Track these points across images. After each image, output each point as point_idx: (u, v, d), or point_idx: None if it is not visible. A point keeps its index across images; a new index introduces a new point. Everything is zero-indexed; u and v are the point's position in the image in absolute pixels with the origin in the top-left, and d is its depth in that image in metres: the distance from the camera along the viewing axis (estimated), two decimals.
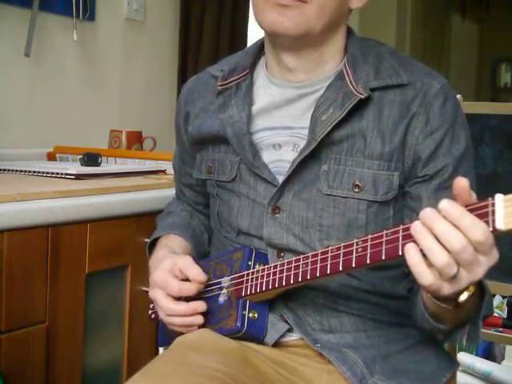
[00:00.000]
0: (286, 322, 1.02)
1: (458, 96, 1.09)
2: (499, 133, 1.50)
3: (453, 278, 0.75)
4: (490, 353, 2.11)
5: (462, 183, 0.75)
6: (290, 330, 1.03)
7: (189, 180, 1.22)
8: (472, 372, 1.82)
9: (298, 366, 1.02)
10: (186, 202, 1.27)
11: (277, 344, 1.03)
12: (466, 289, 0.80)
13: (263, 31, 1.04)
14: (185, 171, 1.23)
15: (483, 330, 1.70)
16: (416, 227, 0.76)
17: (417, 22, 4.66)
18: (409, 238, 0.77)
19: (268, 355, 1.02)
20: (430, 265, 0.75)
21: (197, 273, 1.02)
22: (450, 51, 5.41)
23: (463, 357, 1.84)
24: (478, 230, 0.72)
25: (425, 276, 0.76)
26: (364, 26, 3.73)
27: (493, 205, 0.71)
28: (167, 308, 1.03)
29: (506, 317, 1.87)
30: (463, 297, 0.81)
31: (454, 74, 5.33)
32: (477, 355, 1.99)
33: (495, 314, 1.96)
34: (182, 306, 1.03)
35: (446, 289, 0.77)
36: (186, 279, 1.03)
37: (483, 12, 5.91)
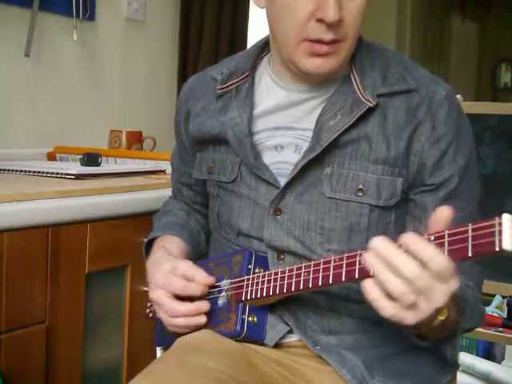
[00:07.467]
0: (287, 323, 1.02)
1: (458, 96, 1.09)
2: (499, 133, 1.50)
3: (412, 307, 0.75)
4: (490, 353, 2.11)
5: (446, 214, 0.75)
6: (290, 331, 1.03)
7: (187, 179, 1.22)
8: (472, 372, 1.82)
9: (299, 366, 1.02)
10: (183, 201, 1.26)
11: (277, 345, 1.03)
12: (440, 313, 0.81)
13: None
14: (184, 170, 1.22)
15: (483, 330, 1.72)
16: (369, 259, 0.77)
17: (417, 22, 4.66)
18: None
19: (269, 356, 1.02)
20: (389, 297, 0.76)
21: (204, 275, 1.02)
22: (450, 51, 5.41)
23: (463, 357, 1.84)
24: (438, 262, 0.72)
25: (386, 309, 0.76)
26: (364, 26, 3.71)
27: (500, 224, 0.68)
28: (170, 308, 1.02)
29: (506, 317, 1.88)
30: (436, 322, 0.82)
31: (454, 74, 5.33)
32: (477, 355, 2.00)
33: (495, 314, 1.96)
34: (186, 306, 1.02)
35: (409, 319, 0.76)
36: None
37: (483, 12, 5.91)
